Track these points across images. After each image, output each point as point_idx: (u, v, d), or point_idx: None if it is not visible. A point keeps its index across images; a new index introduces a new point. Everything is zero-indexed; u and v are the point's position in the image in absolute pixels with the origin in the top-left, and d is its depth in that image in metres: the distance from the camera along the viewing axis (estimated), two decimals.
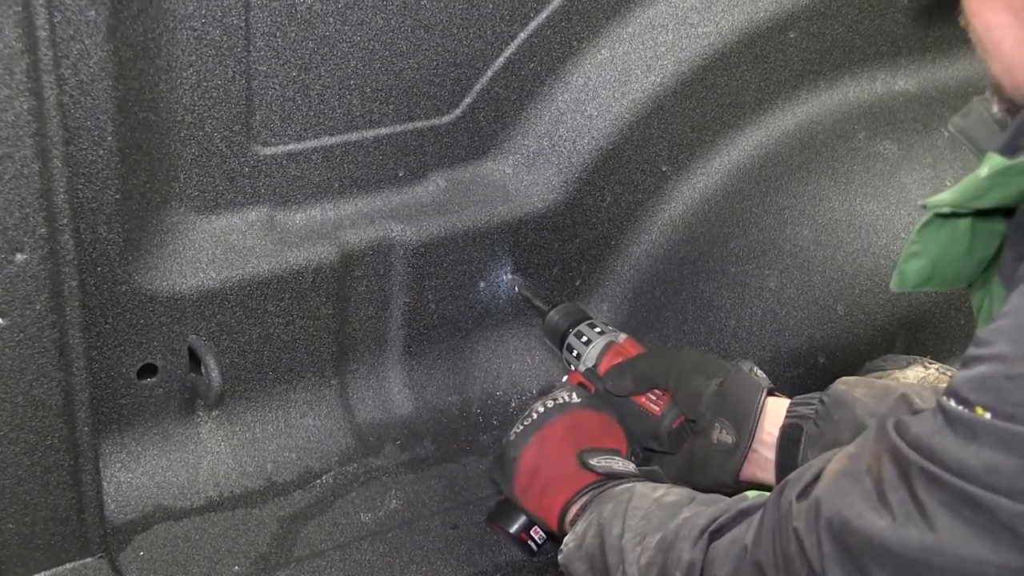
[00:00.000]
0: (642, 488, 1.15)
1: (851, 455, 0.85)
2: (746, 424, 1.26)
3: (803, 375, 1.61)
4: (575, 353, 1.48)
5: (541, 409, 1.32)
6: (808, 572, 0.83)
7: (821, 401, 1.24)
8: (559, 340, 1.51)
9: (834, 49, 1.75)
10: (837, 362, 1.59)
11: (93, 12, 1.12)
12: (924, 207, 0.92)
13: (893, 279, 0.99)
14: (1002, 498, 0.71)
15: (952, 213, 0.92)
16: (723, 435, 1.27)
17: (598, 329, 1.48)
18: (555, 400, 1.33)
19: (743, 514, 0.96)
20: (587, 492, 1.23)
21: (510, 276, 1.62)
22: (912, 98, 1.84)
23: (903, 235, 1.62)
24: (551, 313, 1.53)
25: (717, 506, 1.02)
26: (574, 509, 1.23)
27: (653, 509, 1.08)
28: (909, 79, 1.86)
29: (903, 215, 1.66)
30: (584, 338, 1.47)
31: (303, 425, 1.53)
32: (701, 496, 1.09)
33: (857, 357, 1.59)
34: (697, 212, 1.72)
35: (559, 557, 1.19)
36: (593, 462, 1.25)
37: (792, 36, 1.69)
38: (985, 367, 0.74)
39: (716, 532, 0.97)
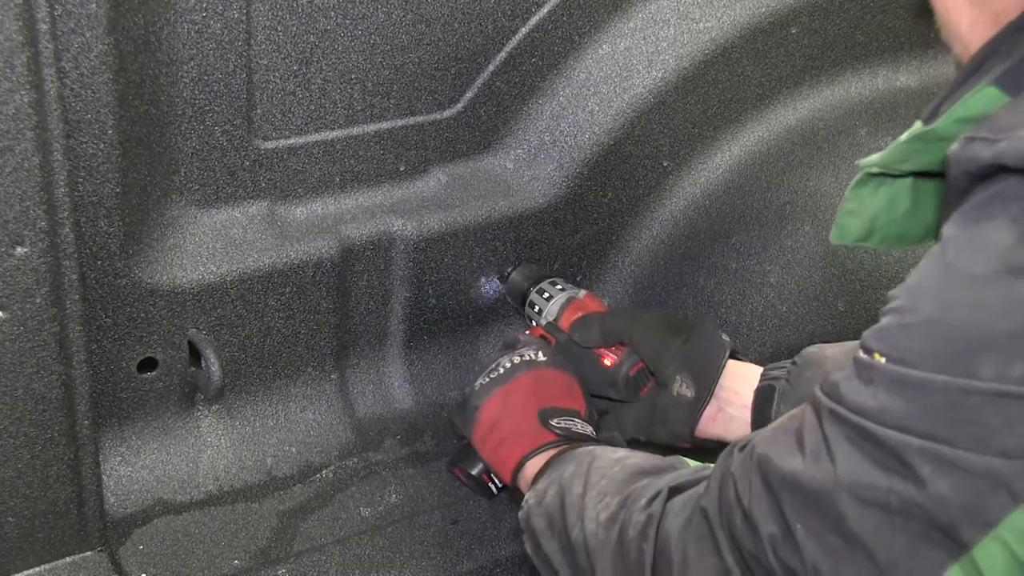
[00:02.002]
0: (603, 451, 1.18)
1: (790, 415, 0.91)
2: (707, 379, 1.31)
3: None
4: (536, 309, 1.53)
5: (508, 364, 1.36)
6: (740, 512, 0.88)
7: (793, 362, 1.29)
8: (521, 298, 1.57)
9: (836, 45, 1.75)
10: None
11: (94, 5, 1.12)
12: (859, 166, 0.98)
13: (832, 231, 1.05)
14: (890, 430, 0.77)
15: (883, 173, 0.98)
16: (683, 388, 1.32)
17: (559, 286, 1.54)
18: (522, 356, 1.37)
19: (702, 478, 1.00)
20: (543, 450, 1.26)
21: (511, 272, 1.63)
22: (914, 94, 1.83)
23: None
24: (513, 273, 1.59)
25: (678, 472, 1.06)
26: (530, 464, 1.26)
27: (616, 471, 1.10)
28: (911, 75, 1.86)
29: None
30: (545, 294, 1.53)
31: (303, 419, 1.53)
32: (662, 459, 1.11)
33: None
34: (698, 207, 1.72)
35: (519, 514, 1.21)
36: (553, 422, 1.29)
37: (794, 32, 1.68)
38: (886, 319, 0.81)
39: (675, 489, 1.01)
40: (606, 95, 1.59)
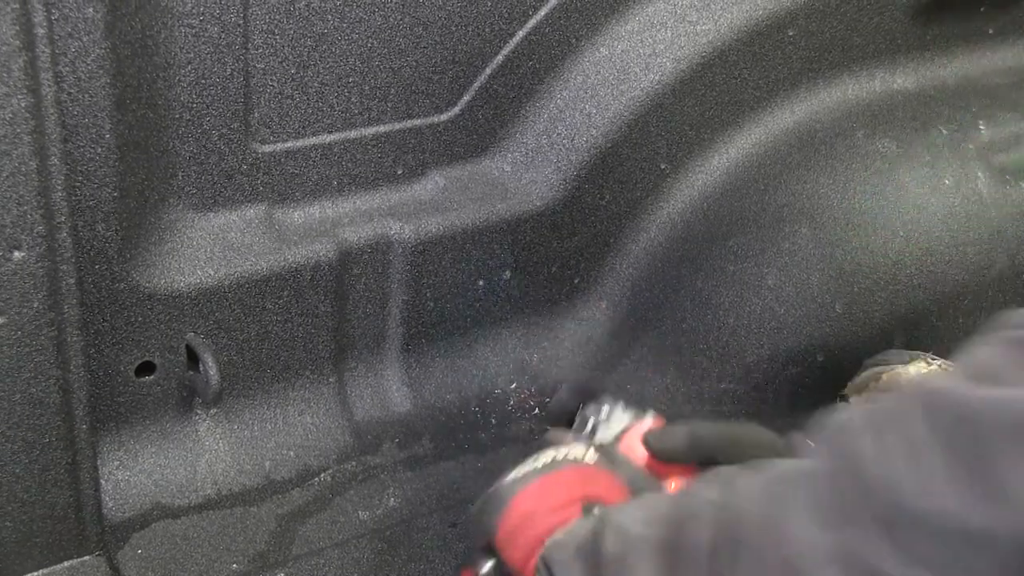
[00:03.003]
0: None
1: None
2: None
3: (801, 373, 1.61)
4: (591, 425, 1.26)
5: (549, 459, 1.14)
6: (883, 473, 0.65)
7: None
8: (569, 414, 1.30)
9: (833, 47, 1.75)
10: (836, 360, 1.59)
11: (91, 9, 1.12)
12: None
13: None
14: None
15: None
16: None
17: (621, 404, 1.28)
18: (566, 455, 1.15)
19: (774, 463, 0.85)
20: None
21: (509, 275, 1.62)
22: (911, 96, 1.83)
23: (901, 233, 1.62)
24: (561, 390, 1.39)
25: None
26: None
27: (664, 494, 1.00)
28: (908, 77, 1.86)
29: (901, 213, 1.66)
30: (604, 410, 1.26)
31: (301, 423, 1.53)
32: None
33: (855, 355, 1.59)
34: (696, 210, 1.71)
35: (537, 561, 1.04)
36: (596, 511, 1.06)
37: (791, 34, 1.69)
38: None
39: (742, 474, 0.86)
40: (603, 98, 1.59)
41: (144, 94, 1.25)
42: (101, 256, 1.27)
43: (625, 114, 1.60)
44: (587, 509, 1.06)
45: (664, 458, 1.15)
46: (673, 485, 1.11)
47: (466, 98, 1.53)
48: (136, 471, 1.42)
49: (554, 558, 1.00)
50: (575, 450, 1.14)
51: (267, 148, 1.40)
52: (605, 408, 1.24)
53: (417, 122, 1.50)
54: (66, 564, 1.32)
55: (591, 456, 1.13)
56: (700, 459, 1.12)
